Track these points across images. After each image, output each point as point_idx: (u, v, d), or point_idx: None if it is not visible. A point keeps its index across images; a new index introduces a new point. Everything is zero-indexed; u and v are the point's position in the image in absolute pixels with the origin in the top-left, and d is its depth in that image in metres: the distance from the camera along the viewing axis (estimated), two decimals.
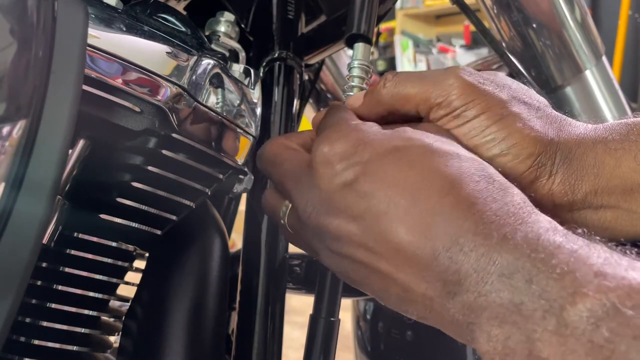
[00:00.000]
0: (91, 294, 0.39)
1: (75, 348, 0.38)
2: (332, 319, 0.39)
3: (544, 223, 0.27)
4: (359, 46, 0.39)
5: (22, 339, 0.36)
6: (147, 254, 0.44)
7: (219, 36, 0.45)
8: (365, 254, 0.30)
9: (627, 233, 0.34)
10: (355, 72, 0.39)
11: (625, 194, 0.34)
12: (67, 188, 0.36)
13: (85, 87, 0.33)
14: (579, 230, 0.26)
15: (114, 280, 0.40)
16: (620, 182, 0.33)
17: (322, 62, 0.68)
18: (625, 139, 0.34)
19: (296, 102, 0.50)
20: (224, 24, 0.45)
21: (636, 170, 0.33)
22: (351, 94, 0.39)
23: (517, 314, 0.24)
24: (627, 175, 0.33)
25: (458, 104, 0.34)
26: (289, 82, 0.50)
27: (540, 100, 0.36)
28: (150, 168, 0.38)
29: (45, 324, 0.37)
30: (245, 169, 0.45)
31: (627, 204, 0.34)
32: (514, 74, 0.61)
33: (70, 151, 0.36)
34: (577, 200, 0.34)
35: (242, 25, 0.51)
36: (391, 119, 0.37)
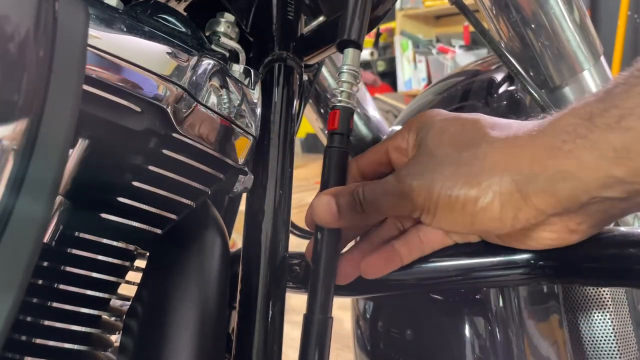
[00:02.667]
0: (92, 293, 0.39)
1: (76, 347, 0.38)
2: (325, 316, 0.39)
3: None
4: (349, 52, 0.40)
5: (23, 337, 0.36)
6: (147, 253, 0.45)
7: (219, 37, 0.45)
8: None
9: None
10: (345, 77, 0.40)
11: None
12: (68, 187, 0.36)
13: (85, 87, 0.33)
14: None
15: (115, 279, 0.40)
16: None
17: (321, 63, 0.68)
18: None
19: (296, 103, 0.50)
20: (224, 25, 0.45)
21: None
22: (340, 98, 0.40)
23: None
24: None
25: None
26: (289, 82, 0.50)
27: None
28: (150, 167, 0.39)
29: (46, 322, 0.37)
30: (246, 169, 0.45)
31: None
32: (512, 74, 0.61)
33: (71, 151, 0.36)
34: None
35: (242, 26, 0.51)
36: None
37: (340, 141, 0.40)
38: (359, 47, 0.40)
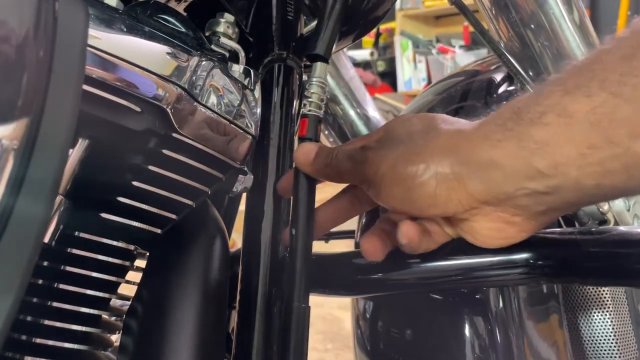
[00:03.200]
0: (92, 292, 0.39)
1: (76, 346, 0.38)
2: (303, 305, 0.41)
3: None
4: (317, 65, 0.44)
5: (24, 337, 0.37)
6: (147, 253, 0.45)
7: (219, 37, 0.45)
8: None
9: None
10: (313, 88, 0.44)
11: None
12: (68, 187, 0.36)
13: (85, 87, 0.33)
14: None
15: (115, 279, 0.41)
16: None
17: None
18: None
19: (296, 102, 0.50)
20: (224, 25, 0.45)
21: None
22: (311, 108, 0.44)
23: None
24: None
25: None
26: (289, 82, 0.50)
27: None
28: (150, 167, 0.39)
29: (46, 322, 0.37)
30: (245, 169, 0.45)
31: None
32: (512, 74, 0.61)
33: (71, 151, 0.36)
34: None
35: (242, 26, 0.51)
36: None
37: None
38: (326, 60, 0.45)
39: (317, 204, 0.45)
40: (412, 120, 0.41)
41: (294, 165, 0.43)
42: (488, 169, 0.35)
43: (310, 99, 0.44)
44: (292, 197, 0.43)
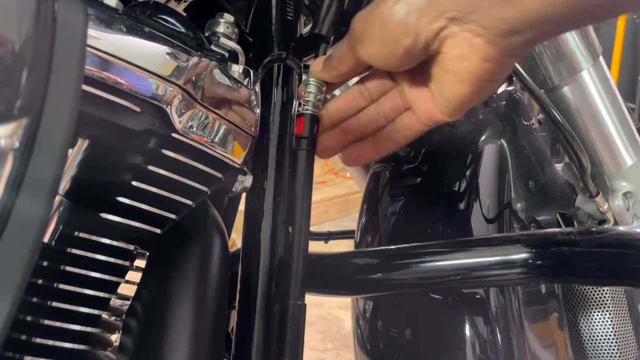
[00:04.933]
0: (92, 292, 0.39)
1: (75, 346, 0.38)
2: (299, 302, 0.42)
3: None
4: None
5: (23, 337, 0.37)
6: (147, 253, 0.45)
7: (219, 37, 0.45)
8: None
9: None
10: (310, 88, 0.45)
11: None
12: (67, 187, 0.36)
13: (85, 87, 0.33)
14: None
15: (115, 279, 0.41)
16: None
17: None
18: None
19: (295, 103, 0.50)
20: (224, 25, 0.45)
21: None
22: (307, 107, 0.45)
23: None
24: None
25: None
26: (288, 82, 0.50)
27: None
28: (150, 167, 0.39)
29: (46, 322, 0.37)
30: (245, 169, 0.45)
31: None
32: (511, 73, 0.61)
33: (70, 151, 0.36)
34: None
35: (242, 27, 0.52)
36: None
37: (306, 144, 0.45)
38: (327, 41, 0.46)
39: (315, 202, 0.45)
40: None
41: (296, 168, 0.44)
42: None
43: (307, 99, 0.45)
44: (291, 196, 0.44)
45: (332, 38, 0.48)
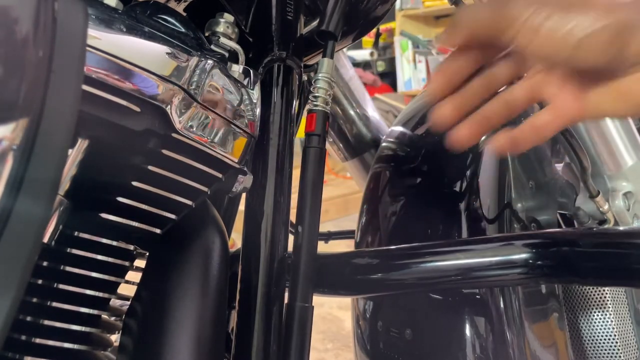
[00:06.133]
0: (91, 292, 0.39)
1: (75, 346, 0.38)
2: (306, 304, 0.41)
3: None
4: (324, 61, 0.45)
5: (23, 337, 0.37)
6: (147, 253, 0.45)
7: (219, 37, 0.45)
8: None
9: None
10: (320, 84, 0.44)
11: None
12: (67, 187, 0.36)
13: (85, 87, 0.33)
14: None
15: (114, 279, 0.41)
16: None
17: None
18: None
19: (295, 103, 0.50)
20: (224, 25, 0.45)
21: None
22: (316, 103, 0.44)
23: None
24: None
25: None
26: (288, 82, 0.50)
27: None
28: (150, 167, 0.39)
29: (45, 322, 0.37)
30: (245, 169, 0.45)
31: None
32: None
33: (70, 151, 0.36)
34: None
35: (242, 26, 0.51)
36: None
37: (317, 141, 0.44)
38: (335, 38, 0.44)
39: (322, 203, 0.45)
40: None
41: (300, 167, 0.43)
42: None
43: (317, 94, 0.44)
44: (297, 194, 0.43)
45: (339, 35, 0.47)
